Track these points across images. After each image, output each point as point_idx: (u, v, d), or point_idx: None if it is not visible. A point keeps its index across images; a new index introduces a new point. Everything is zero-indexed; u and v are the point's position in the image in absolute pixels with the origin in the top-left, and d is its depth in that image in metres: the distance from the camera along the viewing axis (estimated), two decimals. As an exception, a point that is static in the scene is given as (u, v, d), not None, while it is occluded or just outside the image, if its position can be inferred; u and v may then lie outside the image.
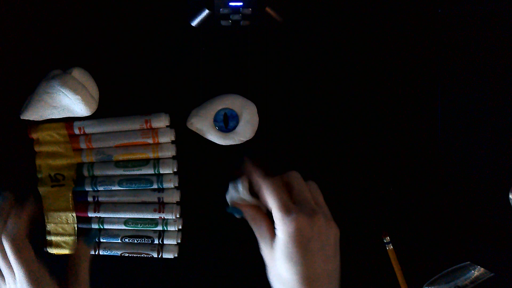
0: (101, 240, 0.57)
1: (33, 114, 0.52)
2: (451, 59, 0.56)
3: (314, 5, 0.56)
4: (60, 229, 0.56)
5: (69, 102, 0.51)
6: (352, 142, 0.57)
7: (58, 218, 0.56)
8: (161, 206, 0.56)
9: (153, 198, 0.56)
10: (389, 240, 0.57)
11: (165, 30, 0.55)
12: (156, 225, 0.56)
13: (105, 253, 0.57)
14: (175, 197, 0.56)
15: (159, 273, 0.59)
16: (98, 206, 0.56)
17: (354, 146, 0.57)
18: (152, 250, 0.57)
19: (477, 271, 0.57)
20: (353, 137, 0.57)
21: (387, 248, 0.57)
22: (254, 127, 0.55)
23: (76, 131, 0.55)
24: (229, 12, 0.52)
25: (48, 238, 0.57)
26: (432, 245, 0.57)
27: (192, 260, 0.58)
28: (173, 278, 0.58)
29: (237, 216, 0.44)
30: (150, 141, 0.55)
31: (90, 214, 0.56)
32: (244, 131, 0.55)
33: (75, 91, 0.50)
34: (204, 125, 0.55)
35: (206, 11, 0.52)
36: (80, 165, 0.56)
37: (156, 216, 0.56)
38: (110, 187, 0.55)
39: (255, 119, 0.55)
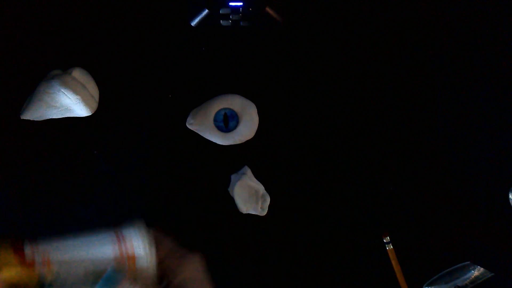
0: None
1: (33, 114, 0.52)
2: (451, 59, 0.56)
3: (314, 5, 0.56)
4: None
5: (69, 102, 0.51)
6: (352, 142, 0.57)
7: None
8: None
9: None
10: (389, 240, 0.57)
11: (165, 30, 0.55)
12: None
13: None
14: None
15: None
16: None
17: (354, 146, 0.57)
18: None
19: (477, 271, 0.57)
20: (353, 137, 0.57)
21: (387, 248, 0.57)
22: (254, 127, 0.55)
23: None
24: (229, 12, 0.52)
25: None
26: (432, 245, 0.57)
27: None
28: None
29: None
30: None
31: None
32: (244, 131, 0.55)
33: (75, 91, 0.50)
34: (204, 125, 0.55)
35: (206, 11, 0.52)
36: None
37: None
38: None
39: (255, 119, 0.55)
